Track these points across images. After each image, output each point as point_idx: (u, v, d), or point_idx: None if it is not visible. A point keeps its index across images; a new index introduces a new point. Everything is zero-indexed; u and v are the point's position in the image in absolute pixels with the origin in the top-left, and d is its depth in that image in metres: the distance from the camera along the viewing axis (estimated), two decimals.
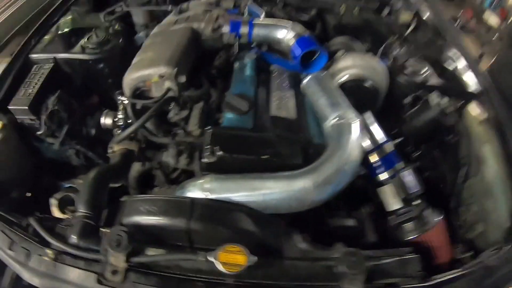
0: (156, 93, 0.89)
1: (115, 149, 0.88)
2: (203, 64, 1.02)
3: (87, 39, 1.17)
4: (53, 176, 1.17)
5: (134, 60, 0.98)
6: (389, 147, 0.92)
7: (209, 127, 0.80)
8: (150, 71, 0.88)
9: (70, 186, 1.10)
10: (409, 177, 0.88)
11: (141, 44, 1.18)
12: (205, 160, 0.73)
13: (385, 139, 0.92)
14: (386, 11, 1.47)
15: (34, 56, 1.16)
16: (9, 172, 1.01)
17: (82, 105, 1.16)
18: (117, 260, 0.60)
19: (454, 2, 5.53)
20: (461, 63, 1.22)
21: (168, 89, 0.85)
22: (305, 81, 0.93)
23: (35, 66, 1.13)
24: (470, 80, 1.15)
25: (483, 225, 0.94)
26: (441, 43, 1.33)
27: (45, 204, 0.95)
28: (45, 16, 1.28)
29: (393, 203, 0.89)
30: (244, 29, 1.05)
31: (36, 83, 1.06)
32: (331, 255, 0.65)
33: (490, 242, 0.89)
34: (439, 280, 0.68)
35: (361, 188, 0.93)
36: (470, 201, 1.00)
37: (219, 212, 0.65)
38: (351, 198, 0.91)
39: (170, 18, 1.17)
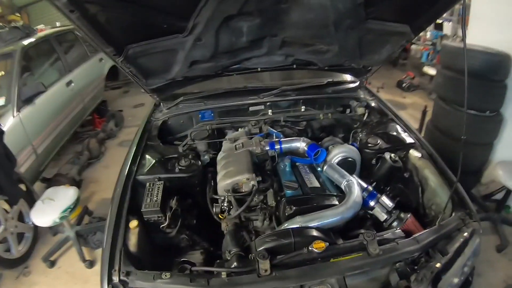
0: (245, 188, 1.76)
1: (229, 223, 1.69)
2: (259, 169, 1.94)
3: (179, 163, 1.95)
4: (166, 256, 1.71)
5: (222, 173, 1.86)
6: (370, 189, 1.82)
7: (281, 199, 1.70)
8: (239, 177, 1.76)
9: (183, 260, 1.63)
10: (385, 200, 1.75)
11: (207, 162, 2.14)
12: (286, 213, 1.61)
13: (366, 185, 1.85)
14: (347, 110, 2.58)
15: (141, 177, 1.85)
16: (142, 252, 1.54)
17: (184, 205, 1.90)
18: (265, 264, 1.31)
19: (397, 67, 7.26)
20: (399, 129, 2.26)
21: (253, 186, 1.74)
22: (325, 169, 1.90)
23: (148, 183, 1.78)
24: (407, 138, 2.14)
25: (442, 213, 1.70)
26: (386, 119, 2.37)
27: None
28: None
29: (381, 216, 1.74)
30: (277, 146, 2.04)
31: (157, 194, 1.71)
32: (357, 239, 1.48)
33: None
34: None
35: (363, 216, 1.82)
36: (430, 204, 1.84)
37: (303, 232, 1.46)
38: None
39: (228, 145, 2.10)
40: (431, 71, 5.56)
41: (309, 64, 2.41)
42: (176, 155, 2.08)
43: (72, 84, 4.08)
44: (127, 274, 1.36)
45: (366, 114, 2.52)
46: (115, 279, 1.35)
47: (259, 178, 1.79)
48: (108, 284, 1.33)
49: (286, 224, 1.58)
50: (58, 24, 4.58)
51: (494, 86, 2.87)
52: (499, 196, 3.13)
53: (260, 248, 1.40)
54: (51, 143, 3.63)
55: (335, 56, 2.26)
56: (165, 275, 1.33)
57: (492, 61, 2.78)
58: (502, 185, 2.93)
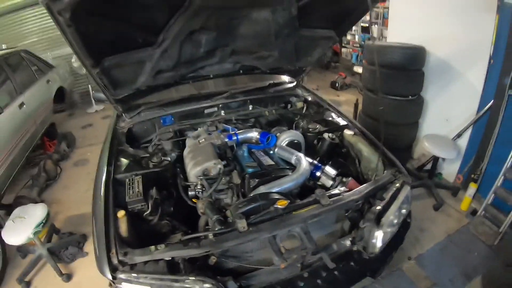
0: (213, 172, 2.14)
1: (203, 201, 2.00)
2: (221, 157, 2.31)
3: (151, 161, 2.29)
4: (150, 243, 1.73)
5: (191, 163, 2.21)
6: (315, 162, 2.30)
7: (245, 175, 2.10)
8: (207, 163, 2.13)
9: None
10: (328, 169, 2.23)
11: (175, 158, 2.46)
12: (251, 186, 2.02)
13: (311, 160, 2.34)
14: (289, 106, 3.10)
15: (119, 176, 2.07)
16: (132, 238, 1.72)
17: (161, 195, 2.13)
18: (243, 223, 1.66)
19: (330, 70, 8.08)
20: (334, 115, 2.81)
21: (220, 168, 2.14)
22: (277, 151, 2.37)
23: (127, 179, 2.03)
24: (340, 121, 2.68)
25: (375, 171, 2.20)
26: (322, 109, 2.91)
27: None
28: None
29: (327, 182, 2.21)
30: (234, 137, 2.47)
31: (137, 187, 1.96)
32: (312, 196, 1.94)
33: None
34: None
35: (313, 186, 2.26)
36: (367, 170, 2.32)
37: (268, 196, 1.85)
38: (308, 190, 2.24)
39: (192, 141, 2.46)
40: (361, 70, 6.33)
41: (253, 69, 2.89)
42: (147, 155, 2.39)
43: (24, 106, 4.13)
44: (125, 254, 1.54)
45: (305, 108, 3.05)
46: (115, 260, 1.52)
47: (224, 162, 2.20)
48: (109, 266, 1.51)
49: (252, 194, 1.97)
50: (4, 46, 4.61)
51: (413, 74, 3.59)
52: (429, 166, 3.77)
53: (236, 212, 1.76)
54: (9, 166, 3.66)
55: (275, 61, 2.77)
56: (160, 247, 1.56)
57: (410, 53, 3.49)
58: (431, 156, 3.60)
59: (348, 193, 1.92)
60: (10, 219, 2.82)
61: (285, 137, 2.50)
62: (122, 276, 1.51)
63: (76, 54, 1.83)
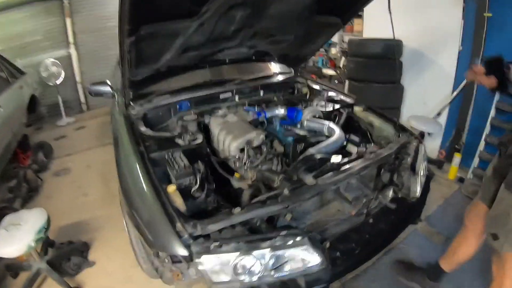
0: (256, 142, 2.19)
1: (252, 171, 2.07)
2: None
3: (183, 139, 2.22)
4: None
5: (229, 137, 2.22)
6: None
7: (289, 143, 2.20)
8: (249, 134, 2.18)
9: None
10: (353, 136, 2.45)
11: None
12: (298, 150, 2.14)
13: None
14: (295, 91, 3.28)
15: (154, 154, 2.01)
16: (188, 211, 1.69)
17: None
18: (309, 178, 1.75)
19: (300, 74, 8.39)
20: (341, 96, 3.01)
21: (263, 138, 2.21)
22: (306, 123, 2.52)
23: (166, 156, 2.01)
24: (348, 100, 2.90)
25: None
26: (327, 93, 3.08)
27: None
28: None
29: (353, 149, 2.41)
30: (263, 114, 2.56)
31: (182, 161, 1.95)
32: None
33: None
34: None
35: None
36: (379, 139, 2.46)
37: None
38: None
39: (219, 120, 2.49)
40: (330, 71, 6.82)
41: (264, 55, 3.05)
42: (175, 135, 2.32)
43: (1, 109, 3.79)
44: (194, 226, 1.42)
45: (309, 93, 3.24)
46: (184, 234, 1.41)
47: (266, 132, 2.27)
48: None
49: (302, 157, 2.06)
50: None
51: (392, 64, 3.94)
52: None
53: (298, 171, 1.86)
54: None
55: (287, 46, 2.95)
56: (236, 210, 1.52)
57: (388, 45, 3.90)
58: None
59: (382, 149, 2.14)
60: (2, 228, 2.36)
61: (308, 112, 2.65)
62: (199, 248, 1.38)
63: (120, 17, 1.71)
